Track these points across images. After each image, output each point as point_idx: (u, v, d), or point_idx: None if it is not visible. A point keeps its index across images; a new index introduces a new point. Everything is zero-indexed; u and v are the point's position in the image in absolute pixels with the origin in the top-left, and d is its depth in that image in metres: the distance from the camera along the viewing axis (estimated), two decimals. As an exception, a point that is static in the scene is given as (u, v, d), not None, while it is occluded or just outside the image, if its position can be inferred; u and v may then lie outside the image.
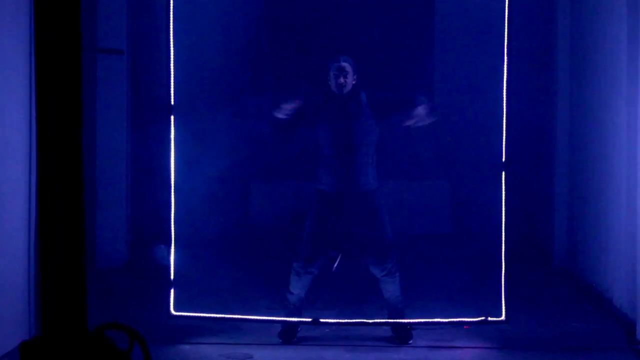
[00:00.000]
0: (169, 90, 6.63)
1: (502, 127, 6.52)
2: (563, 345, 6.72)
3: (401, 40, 9.89)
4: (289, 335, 6.78)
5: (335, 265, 6.86)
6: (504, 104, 6.49)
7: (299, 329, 6.84)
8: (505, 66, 6.47)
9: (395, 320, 6.81)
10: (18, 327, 6.38)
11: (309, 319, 6.81)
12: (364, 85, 6.78)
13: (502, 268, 6.57)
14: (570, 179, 9.49)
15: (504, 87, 6.49)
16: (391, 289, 6.80)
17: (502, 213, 6.57)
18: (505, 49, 6.46)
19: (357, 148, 6.67)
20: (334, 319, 7.05)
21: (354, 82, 6.70)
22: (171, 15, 6.59)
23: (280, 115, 6.68)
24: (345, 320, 7.01)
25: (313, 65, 7.33)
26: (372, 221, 6.74)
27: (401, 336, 6.76)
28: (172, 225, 6.69)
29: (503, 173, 6.57)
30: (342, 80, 6.66)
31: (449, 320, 6.83)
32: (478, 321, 6.74)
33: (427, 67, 10.52)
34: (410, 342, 6.72)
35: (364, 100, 6.71)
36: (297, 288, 6.80)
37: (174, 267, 6.74)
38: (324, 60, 6.86)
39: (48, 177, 3.60)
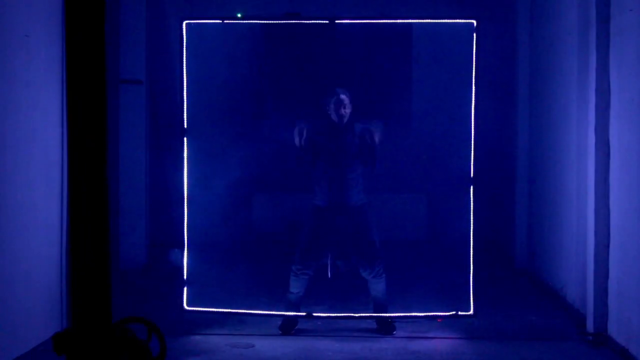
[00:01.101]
0: (183, 116, 6.66)
1: (471, 148, 6.54)
2: (524, 336, 6.71)
3: (384, 74, 9.91)
4: (288, 328, 6.76)
5: (329, 271, 6.84)
6: (472, 128, 6.52)
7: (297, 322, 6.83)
8: (473, 96, 6.49)
9: (378, 315, 6.80)
10: (51, 320, 6.37)
11: (303, 313, 6.82)
12: (353, 114, 6.76)
13: (470, 269, 6.59)
14: (529, 192, 9.51)
15: (472, 114, 6.51)
16: (378, 288, 6.79)
17: (470, 221, 6.58)
18: (473, 81, 6.48)
19: (350, 169, 6.67)
20: (325, 313, 7.06)
21: (350, 112, 6.70)
22: (184, 51, 6.61)
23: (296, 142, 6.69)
24: (335, 315, 7.00)
25: (307, 93, 7.32)
26: (362, 231, 6.72)
27: (386, 328, 6.74)
28: (185, 232, 6.70)
29: (471, 187, 6.60)
30: (343, 111, 6.65)
31: (425, 314, 6.83)
32: (450, 315, 6.75)
33: (406, 97, 10.56)
34: (394, 332, 6.71)
35: (357, 130, 6.71)
36: (295, 288, 6.79)
37: (187, 269, 6.74)
38: (316, 89, 6.84)
39: (78, 192, 3.61)
